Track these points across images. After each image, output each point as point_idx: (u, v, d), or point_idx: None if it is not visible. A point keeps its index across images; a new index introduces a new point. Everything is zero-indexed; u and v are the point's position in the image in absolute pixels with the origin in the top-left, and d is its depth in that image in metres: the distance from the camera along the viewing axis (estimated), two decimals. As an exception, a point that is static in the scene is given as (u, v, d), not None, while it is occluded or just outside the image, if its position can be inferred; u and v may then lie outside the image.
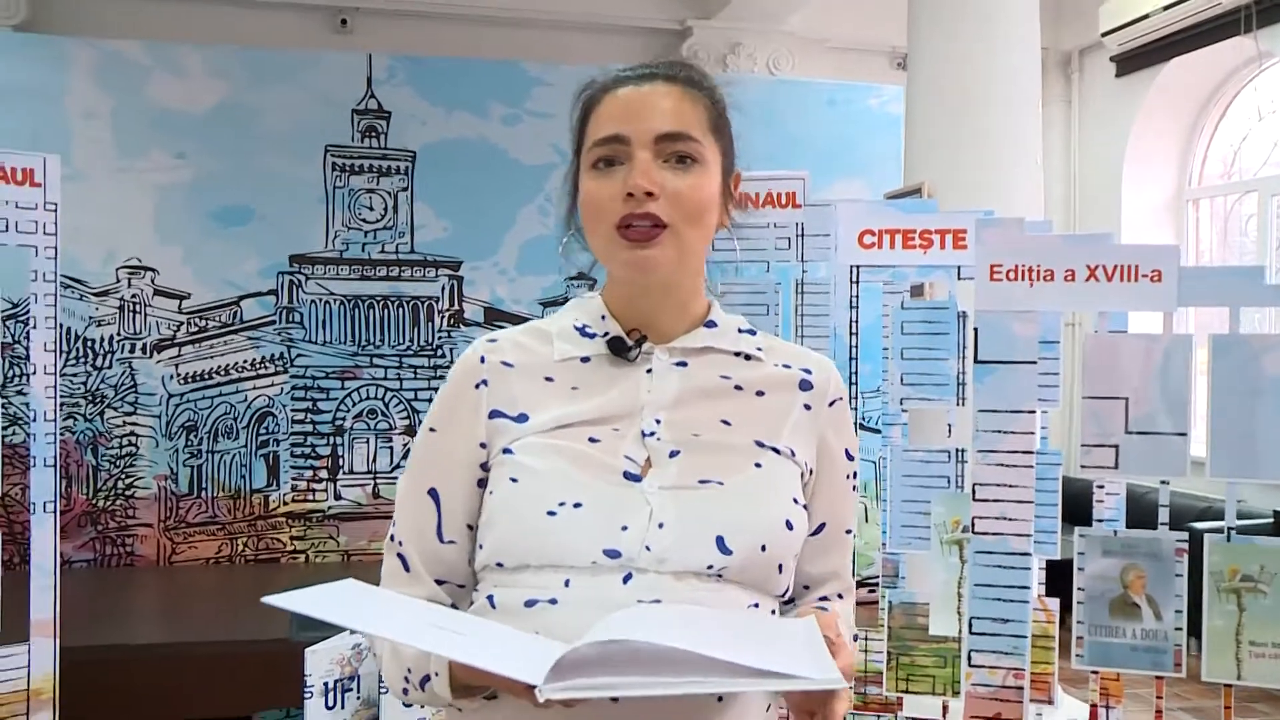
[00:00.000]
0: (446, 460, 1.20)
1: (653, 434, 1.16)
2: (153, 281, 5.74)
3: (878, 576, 3.10)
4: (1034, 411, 2.19)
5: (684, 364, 1.22)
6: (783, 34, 6.79)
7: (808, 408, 1.23)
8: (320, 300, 5.96)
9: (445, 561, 1.20)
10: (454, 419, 1.20)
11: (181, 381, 5.79)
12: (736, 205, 1.28)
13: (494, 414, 1.19)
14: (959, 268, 2.86)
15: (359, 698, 2.75)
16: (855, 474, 1.29)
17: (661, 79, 1.22)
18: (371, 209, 6.04)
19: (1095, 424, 2.16)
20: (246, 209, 5.85)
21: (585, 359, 1.22)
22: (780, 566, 1.13)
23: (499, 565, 1.12)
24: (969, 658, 2.29)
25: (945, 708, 2.97)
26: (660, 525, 1.09)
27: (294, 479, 5.90)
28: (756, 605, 1.12)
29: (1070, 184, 7.34)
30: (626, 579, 1.07)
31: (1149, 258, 2.15)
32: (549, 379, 1.20)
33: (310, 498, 5.86)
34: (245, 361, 5.88)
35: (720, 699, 1.06)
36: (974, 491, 2.23)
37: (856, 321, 3.11)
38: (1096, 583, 2.21)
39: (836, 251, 3.10)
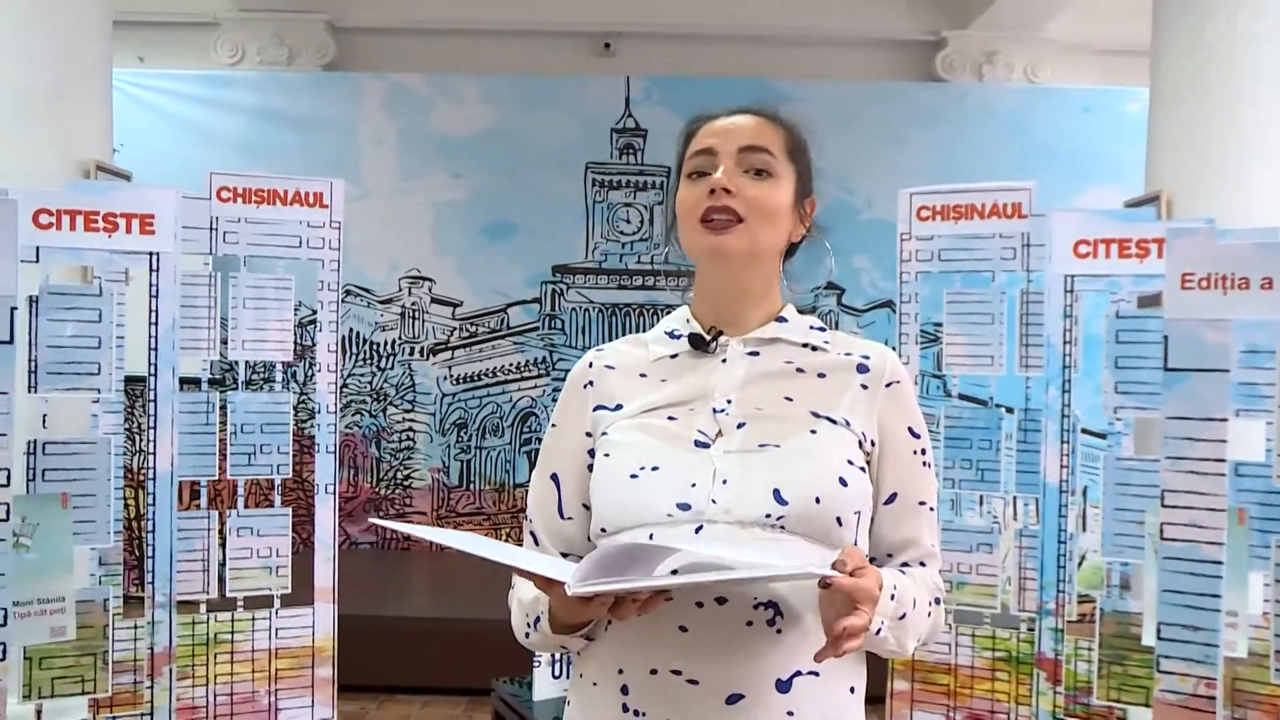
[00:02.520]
0: (563, 450, 1.43)
1: (722, 411, 1.34)
2: (430, 290, 6.30)
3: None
4: (1225, 420, 2.18)
5: (755, 353, 1.40)
6: (1042, 40, 6.65)
7: (864, 388, 1.38)
8: (580, 308, 6.36)
9: (566, 536, 1.42)
10: (568, 415, 1.44)
11: (453, 382, 6.32)
12: (809, 224, 1.42)
13: (597, 408, 1.42)
14: (1177, 276, 2.82)
15: (581, 669, 2.99)
16: (925, 450, 1.41)
17: (749, 113, 1.43)
18: (629, 222, 6.39)
19: (1293, 433, 2.12)
20: (514, 223, 6.32)
21: (674, 356, 1.43)
22: (839, 520, 1.27)
23: (602, 530, 1.32)
24: (1158, 663, 2.30)
25: None
26: (724, 482, 1.28)
27: (553, 475, 6.30)
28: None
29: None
30: (698, 530, 1.25)
31: (1352, 264, 2.10)
32: (643, 375, 1.43)
33: (567, 494, 6.24)
34: (511, 365, 6.34)
35: (779, 631, 1.23)
36: (1162, 498, 2.24)
37: (1071, 330, 3.11)
38: (1293, 595, 2.17)
39: (1051, 261, 3.12)
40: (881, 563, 1.39)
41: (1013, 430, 3.26)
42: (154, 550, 3.03)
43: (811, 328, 1.43)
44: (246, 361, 3.29)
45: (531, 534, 1.44)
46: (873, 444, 1.36)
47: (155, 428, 3.02)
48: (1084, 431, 3.20)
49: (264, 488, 3.38)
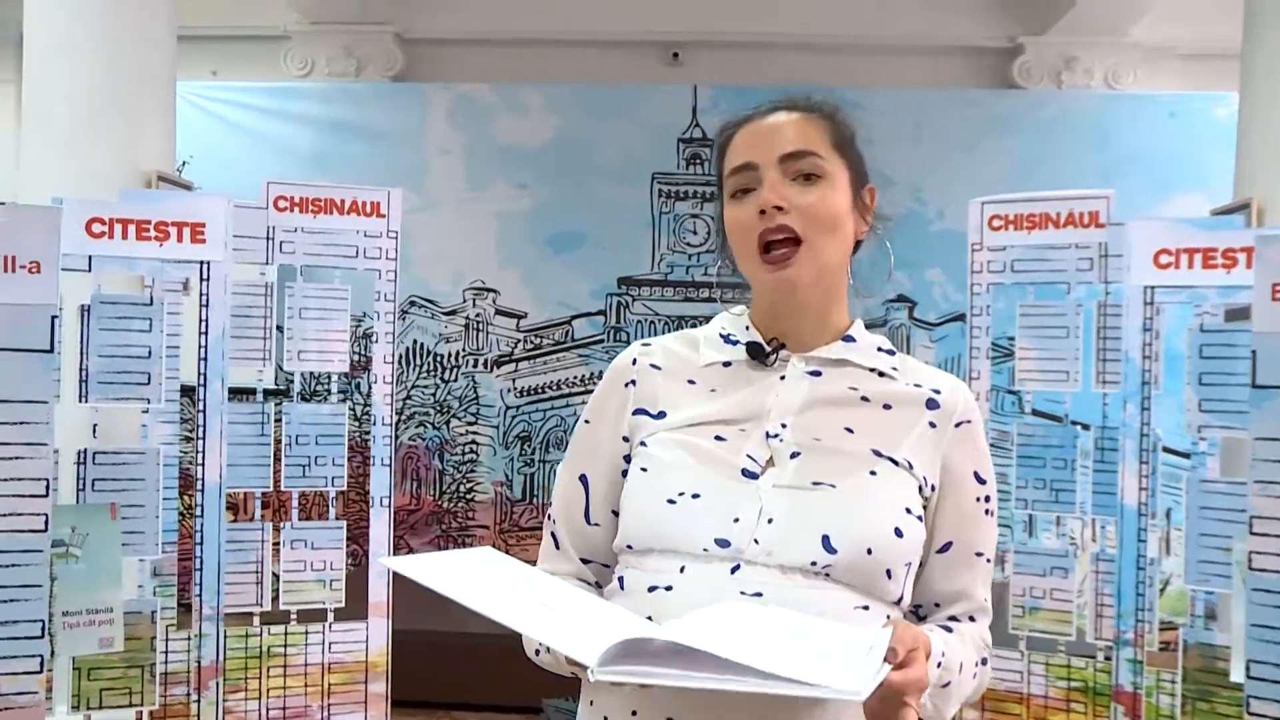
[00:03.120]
0: (596, 450, 1.33)
1: (776, 435, 1.22)
2: (494, 302, 6.25)
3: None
4: (1320, 441, 2.02)
5: (818, 373, 1.27)
6: (1125, 45, 6.43)
7: (932, 425, 1.27)
8: (646, 320, 6.27)
9: (591, 542, 1.32)
10: (604, 414, 1.34)
11: (517, 395, 6.26)
12: (872, 218, 1.32)
13: (637, 411, 1.31)
14: (1269, 287, 2.66)
15: (633, 692, 2.90)
16: (989, 498, 1.29)
17: (783, 109, 1.32)
18: (695, 233, 6.29)
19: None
20: (579, 234, 6.25)
21: (727, 364, 1.31)
22: (889, 572, 1.16)
23: (629, 547, 1.22)
24: (1247, 704, 2.14)
25: (1247, 761, 2.75)
26: (770, 520, 1.17)
27: (616, 489, 6.23)
28: (866, 608, 1.15)
29: None
30: (734, 570, 1.14)
31: None
32: (691, 381, 1.31)
33: (630, 508, 6.16)
34: (575, 377, 6.27)
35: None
36: (1251, 525, 2.09)
37: (1151, 345, 2.96)
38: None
39: (1130, 272, 2.97)
40: (928, 612, 1.28)
41: (1089, 448, 3.11)
42: (201, 563, 3.00)
43: (880, 350, 1.32)
44: (310, 373, 3.26)
45: (553, 535, 1.35)
46: (933, 488, 1.25)
47: (204, 439, 3.00)
48: (1166, 450, 3.04)
49: (324, 500, 3.35)
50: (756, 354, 1.30)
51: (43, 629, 2.25)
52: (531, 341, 6.26)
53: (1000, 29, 6.53)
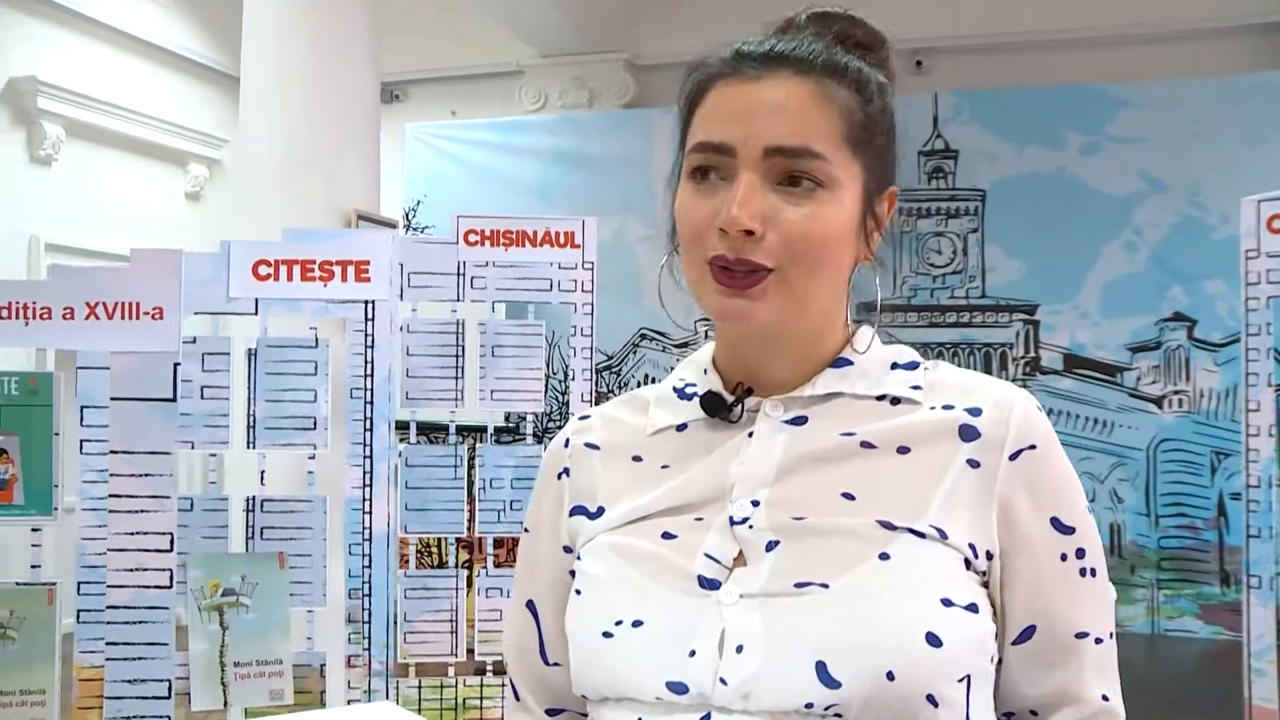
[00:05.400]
0: (538, 568, 1.01)
1: (745, 520, 0.87)
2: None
3: None
4: None
5: (801, 420, 0.91)
6: None
7: (973, 464, 0.87)
8: (889, 348, 5.87)
9: (554, 688, 1.00)
10: (540, 519, 1.02)
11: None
12: (882, 233, 0.93)
13: (574, 510, 0.97)
14: None
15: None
16: (1083, 551, 0.88)
17: (789, 66, 0.89)
18: (940, 253, 5.83)
19: None
20: (815, 257, 5.92)
21: (681, 427, 0.96)
22: (932, 699, 0.79)
23: (584, 698, 0.91)
24: None
25: None
26: (739, 649, 0.82)
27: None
28: None
29: None
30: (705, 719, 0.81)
31: None
32: (637, 458, 0.96)
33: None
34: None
35: None
36: None
37: None
38: None
39: None
40: None
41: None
42: (370, 614, 2.88)
43: (896, 367, 0.93)
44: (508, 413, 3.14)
45: (511, 684, 1.04)
46: (989, 556, 0.87)
47: (371, 485, 2.88)
48: None
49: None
50: (714, 408, 0.94)
51: (169, 689, 2.17)
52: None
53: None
